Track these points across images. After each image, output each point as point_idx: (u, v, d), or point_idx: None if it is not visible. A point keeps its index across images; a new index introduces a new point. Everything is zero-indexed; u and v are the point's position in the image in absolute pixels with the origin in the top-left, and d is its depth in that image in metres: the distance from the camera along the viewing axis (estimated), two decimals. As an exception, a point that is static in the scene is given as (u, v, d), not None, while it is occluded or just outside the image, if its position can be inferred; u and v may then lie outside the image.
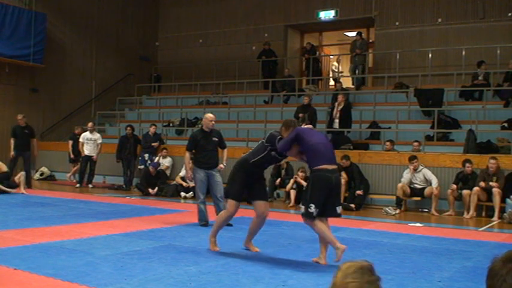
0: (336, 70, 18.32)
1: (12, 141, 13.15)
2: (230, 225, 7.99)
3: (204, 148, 8.02)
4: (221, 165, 8.35)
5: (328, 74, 18.82)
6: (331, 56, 20.06)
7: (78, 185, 14.00)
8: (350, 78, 17.54)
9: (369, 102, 15.10)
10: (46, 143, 17.06)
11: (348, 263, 1.71)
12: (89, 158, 14.05)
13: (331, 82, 18.40)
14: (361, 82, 16.70)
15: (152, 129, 14.34)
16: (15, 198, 10.89)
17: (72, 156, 14.86)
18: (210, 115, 8.17)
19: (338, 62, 18.74)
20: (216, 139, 8.18)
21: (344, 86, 16.34)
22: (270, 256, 5.82)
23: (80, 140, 14.17)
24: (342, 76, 17.69)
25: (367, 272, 1.67)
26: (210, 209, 8.14)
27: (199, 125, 16.09)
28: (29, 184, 12.72)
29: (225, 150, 8.57)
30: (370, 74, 17.39)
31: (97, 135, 14.38)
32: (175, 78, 19.73)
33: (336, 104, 13.29)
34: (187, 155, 8.19)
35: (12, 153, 13.11)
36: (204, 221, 8.04)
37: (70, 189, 13.52)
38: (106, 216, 8.82)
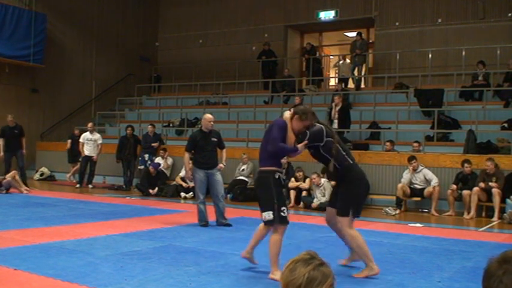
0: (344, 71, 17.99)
1: (0, 142, 13.09)
2: (229, 225, 7.96)
3: (203, 148, 8.00)
4: (221, 165, 8.31)
5: (332, 74, 18.79)
6: (331, 56, 20.07)
7: (78, 186, 14.00)
8: (351, 79, 17.53)
9: (368, 103, 15.10)
10: (46, 143, 17.08)
11: (290, 260, 1.72)
12: (88, 158, 14.04)
13: (332, 82, 18.40)
14: (360, 82, 16.71)
15: (150, 129, 14.32)
16: (15, 198, 10.89)
17: (69, 156, 14.88)
18: (208, 116, 8.17)
19: (342, 58, 18.43)
20: (215, 139, 8.17)
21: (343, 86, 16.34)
22: (270, 256, 5.81)
23: (80, 140, 14.16)
24: (344, 77, 17.64)
25: (308, 261, 1.69)
26: (210, 209, 8.14)
27: (199, 125, 16.12)
28: (24, 181, 12.63)
29: (224, 150, 8.57)
30: (370, 74, 17.39)
31: (97, 136, 14.37)
32: (175, 78, 19.72)
33: (334, 104, 13.29)
34: (187, 155, 8.16)
35: (1, 154, 13.07)
36: (203, 221, 8.00)
37: (70, 189, 13.52)
38: (106, 216, 8.81)
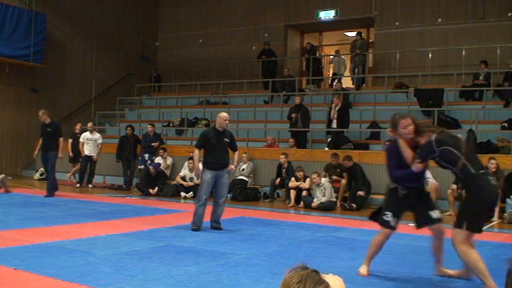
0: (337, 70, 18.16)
1: (40, 140, 11.86)
2: (220, 228, 7.67)
3: (215, 148, 7.62)
4: (231, 166, 8.00)
5: (329, 74, 18.80)
6: (331, 56, 20.07)
7: (78, 185, 13.99)
8: (350, 78, 17.55)
9: (368, 102, 15.10)
10: (46, 143, 17.04)
11: (291, 272, 1.66)
12: (89, 158, 14.04)
13: (330, 82, 18.39)
14: (361, 82, 16.72)
15: (150, 128, 14.32)
16: (15, 198, 10.88)
17: (71, 155, 14.82)
18: (224, 114, 7.76)
19: (336, 55, 18.55)
20: (228, 140, 7.77)
21: (344, 86, 16.34)
22: (270, 256, 5.82)
23: (80, 140, 14.15)
24: (343, 76, 17.65)
25: (311, 278, 1.63)
26: (207, 209, 8.06)
27: (199, 125, 16.12)
28: (52, 189, 11.28)
29: (237, 152, 8.17)
30: (370, 74, 17.40)
31: (97, 135, 14.37)
32: (175, 78, 19.73)
33: (333, 105, 13.30)
34: (196, 152, 7.87)
35: (35, 153, 12.02)
36: (196, 225, 7.56)
37: (70, 189, 13.51)
38: (106, 216, 8.81)
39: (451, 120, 12.77)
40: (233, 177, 12.70)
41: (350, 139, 13.07)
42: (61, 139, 11.59)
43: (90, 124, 14.53)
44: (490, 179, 4.69)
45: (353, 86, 16.89)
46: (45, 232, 6.90)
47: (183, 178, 12.78)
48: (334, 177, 11.44)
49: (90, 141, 14.12)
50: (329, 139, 13.28)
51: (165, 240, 6.61)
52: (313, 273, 1.63)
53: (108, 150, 14.41)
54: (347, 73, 17.48)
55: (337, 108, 13.13)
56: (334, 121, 13.13)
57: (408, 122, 4.86)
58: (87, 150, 14.05)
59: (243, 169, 12.80)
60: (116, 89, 19.50)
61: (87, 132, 14.23)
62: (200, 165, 8.01)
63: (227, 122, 7.72)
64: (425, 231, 8.20)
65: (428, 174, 10.63)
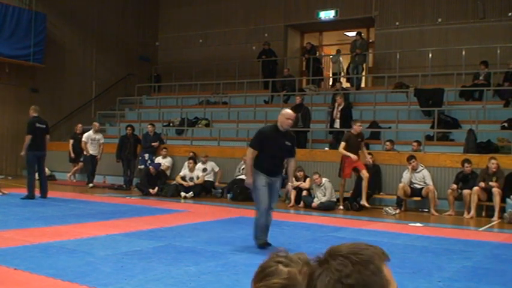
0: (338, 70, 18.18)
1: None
2: (270, 244, 6.36)
3: (273, 150, 6.28)
4: (290, 185, 6.91)
5: (329, 74, 18.80)
6: (331, 56, 20.07)
7: (91, 185, 13.84)
8: (346, 78, 17.54)
9: (369, 102, 15.09)
10: (46, 143, 17.04)
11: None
12: (93, 157, 14.04)
13: (331, 81, 18.41)
14: (359, 82, 16.73)
15: (150, 128, 14.32)
16: (15, 198, 10.88)
17: (72, 155, 14.82)
18: (288, 111, 6.35)
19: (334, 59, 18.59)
20: (289, 144, 6.38)
21: (343, 86, 16.35)
22: (270, 256, 5.80)
23: (83, 139, 14.13)
24: (342, 76, 17.66)
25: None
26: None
27: (199, 125, 16.12)
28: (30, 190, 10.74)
29: (293, 159, 6.65)
30: (370, 74, 17.40)
31: (100, 135, 14.38)
32: (175, 78, 19.73)
33: (336, 104, 13.30)
34: (251, 154, 6.29)
35: None
36: (263, 240, 6.25)
37: (70, 189, 13.51)
38: (106, 216, 8.81)
39: (451, 120, 12.78)
40: (233, 177, 12.72)
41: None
42: (26, 136, 10.86)
43: (97, 124, 14.51)
44: None
45: (349, 86, 16.87)
46: (45, 232, 6.90)
47: (183, 178, 12.78)
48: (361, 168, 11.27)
49: (94, 141, 14.13)
50: (330, 138, 13.28)
51: (165, 240, 6.61)
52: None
53: (108, 150, 14.41)
54: (344, 73, 17.50)
55: (340, 107, 13.12)
56: (337, 121, 13.12)
57: None
58: (91, 150, 14.05)
59: (244, 169, 12.79)
60: (116, 89, 19.50)
61: (91, 132, 14.23)
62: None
63: (290, 121, 6.30)
64: (425, 231, 8.21)
65: (428, 179, 10.64)
